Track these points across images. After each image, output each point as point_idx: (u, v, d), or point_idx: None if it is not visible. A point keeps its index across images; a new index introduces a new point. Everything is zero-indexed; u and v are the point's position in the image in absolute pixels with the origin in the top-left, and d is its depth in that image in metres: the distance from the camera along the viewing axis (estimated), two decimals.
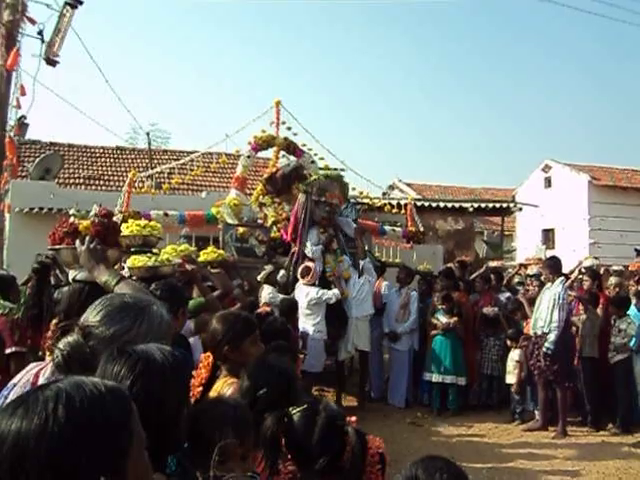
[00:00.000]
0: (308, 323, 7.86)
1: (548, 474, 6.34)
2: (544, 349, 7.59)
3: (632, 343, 7.56)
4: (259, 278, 7.96)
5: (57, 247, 2.99)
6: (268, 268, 8.21)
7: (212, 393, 2.79)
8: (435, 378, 8.63)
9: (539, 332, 7.71)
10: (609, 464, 6.62)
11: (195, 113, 72.42)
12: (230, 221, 9.49)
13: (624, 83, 65.50)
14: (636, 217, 24.43)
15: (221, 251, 7.42)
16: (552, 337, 7.55)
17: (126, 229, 4.48)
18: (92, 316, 1.76)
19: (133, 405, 1.11)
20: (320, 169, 10.62)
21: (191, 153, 12.74)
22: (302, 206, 8.72)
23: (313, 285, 8.15)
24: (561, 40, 70.58)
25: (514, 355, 8.26)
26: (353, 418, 2.17)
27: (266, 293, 7.64)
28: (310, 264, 8.22)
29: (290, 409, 2.14)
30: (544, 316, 7.66)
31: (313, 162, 10.77)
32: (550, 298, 7.67)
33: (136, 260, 3.83)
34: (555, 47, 70.46)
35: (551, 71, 73.00)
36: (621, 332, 7.71)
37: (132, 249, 4.57)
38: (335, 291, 8.12)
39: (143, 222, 4.72)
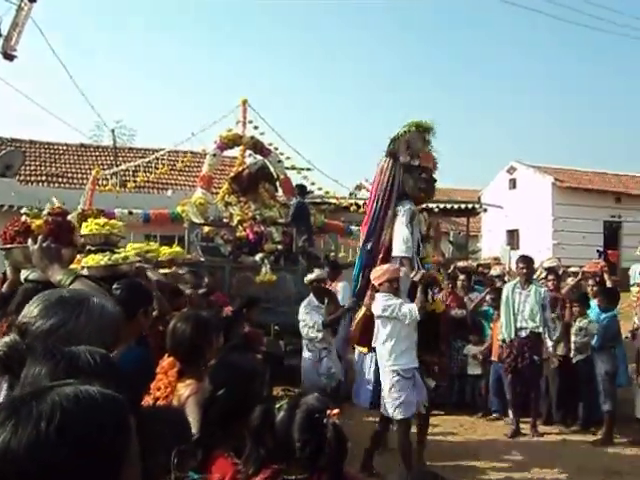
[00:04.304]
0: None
1: (511, 471, 6.40)
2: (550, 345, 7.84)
3: (594, 342, 7.66)
4: (306, 281, 7.86)
5: (8, 246, 2.92)
6: (317, 273, 7.84)
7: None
8: None
9: (523, 334, 7.73)
10: (567, 462, 6.69)
11: (161, 111, 71.74)
12: (195, 220, 9.42)
13: (589, 87, 66.66)
14: (598, 219, 24.86)
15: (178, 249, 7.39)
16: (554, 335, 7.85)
17: (85, 228, 4.41)
18: (29, 312, 1.72)
19: (131, 419, 1.06)
20: (287, 169, 10.65)
21: (157, 151, 12.66)
22: (388, 174, 6.09)
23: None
24: (528, 43, 71.53)
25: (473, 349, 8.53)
26: (334, 411, 2.16)
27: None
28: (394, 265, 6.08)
29: (276, 402, 2.18)
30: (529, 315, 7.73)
31: (280, 162, 10.77)
32: (538, 299, 7.70)
33: (91, 259, 3.76)
34: (523, 50, 71.36)
35: (518, 73, 73.93)
36: (582, 331, 7.82)
37: (93, 248, 4.50)
38: (412, 306, 5.78)
39: (102, 220, 4.64)
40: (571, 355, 7.94)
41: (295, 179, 11.06)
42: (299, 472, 2.10)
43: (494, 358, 8.32)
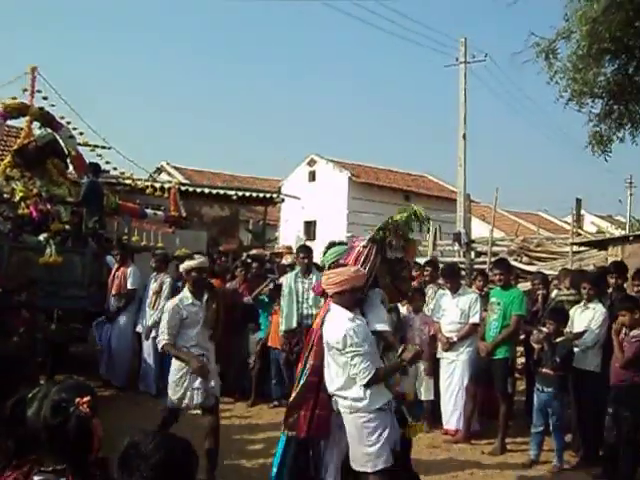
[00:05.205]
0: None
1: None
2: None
3: None
4: (182, 268, 6.18)
5: None
6: (199, 260, 6.11)
7: None
8: None
9: (309, 321, 7.92)
10: None
11: None
12: None
13: (388, 90, 70.75)
14: (386, 214, 26.39)
15: None
16: None
17: None
18: None
19: None
20: (79, 145, 10.07)
21: None
22: (368, 265, 4.74)
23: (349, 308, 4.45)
24: (334, 43, 74.17)
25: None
26: (85, 399, 2.10)
27: None
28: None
29: (29, 393, 2.12)
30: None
31: (72, 137, 10.14)
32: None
33: None
34: (327, 50, 73.94)
35: (322, 72, 76.55)
36: None
37: None
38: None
39: None
40: None
41: (89, 157, 10.52)
42: (55, 463, 2.03)
43: (271, 344, 8.58)
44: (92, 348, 9.63)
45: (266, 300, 8.82)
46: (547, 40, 9.68)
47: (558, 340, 6.39)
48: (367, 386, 4.17)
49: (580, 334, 6.50)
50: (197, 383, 5.63)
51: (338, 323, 4.28)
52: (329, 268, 4.91)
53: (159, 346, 5.90)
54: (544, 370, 6.36)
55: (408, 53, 73.24)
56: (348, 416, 4.33)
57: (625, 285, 6.91)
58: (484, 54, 19.57)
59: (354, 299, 4.38)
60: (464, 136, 18.87)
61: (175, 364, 5.77)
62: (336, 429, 4.48)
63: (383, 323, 4.43)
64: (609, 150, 10.11)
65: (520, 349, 7.98)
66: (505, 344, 7.01)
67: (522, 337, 7.55)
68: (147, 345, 8.84)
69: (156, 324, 8.67)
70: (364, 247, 4.76)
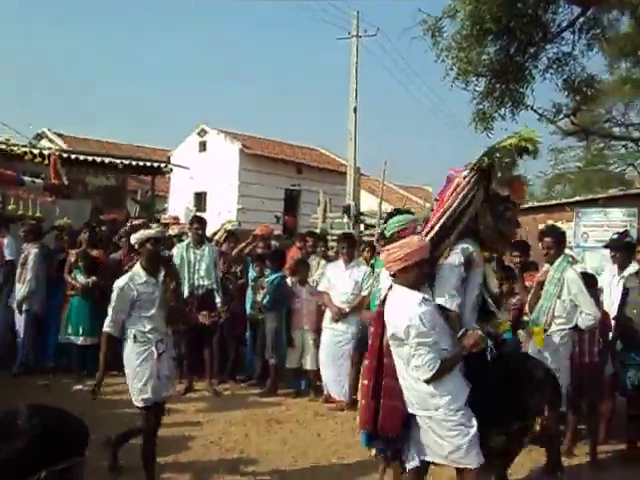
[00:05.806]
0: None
1: (179, 426, 6.55)
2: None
3: (265, 301, 8.13)
4: (135, 240, 5.20)
5: None
6: (156, 229, 5.49)
7: None
8: (76, 340, 8.32)
9: (200, 292, 7.98)
10: (236, 413, 7.14)
11: None
12: None
13: (281, 61, 70.29)
14: (278, 186, 26.49)
15: None
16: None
17: None
18: None
19: None
20: None
21: None
22: (464, 194, 4.07)
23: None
24: (224, 11, 72.75)
25: None
26: None
27: None
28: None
29: None
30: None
31: None
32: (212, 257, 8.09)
33: None
34: (217, 19, 72.44)
35: (213, 42, 74.99)
36: (264, 289, 8.21)
37: None
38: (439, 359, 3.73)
39: None
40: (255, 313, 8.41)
41: None
42: None
43: None
44: None
45: None
46: (434, 18, 9.88)
47: None
48: (428, 382, 3.65)
49: None
50: (166, 369, 5.05)
51: (403, 308, 3.71)
52: (390, 239, 4.41)
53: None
54: None
55: (301, 24, 72.99)
56: (424, 417, 3.80)
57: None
58: (376, 28, 19.79)
59: (421, 275, 3.80)
60: (355, 109, 19.07)
61: (135, 350, 4.94)
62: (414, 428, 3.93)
63: (446, 298, 3.86)
64: (491, 127, 10.53)
65: None
66: None
67: None
68: (19, 319, 8.45)
69: (25, 298, 8.32)
70: (464, 177, 4.07)
